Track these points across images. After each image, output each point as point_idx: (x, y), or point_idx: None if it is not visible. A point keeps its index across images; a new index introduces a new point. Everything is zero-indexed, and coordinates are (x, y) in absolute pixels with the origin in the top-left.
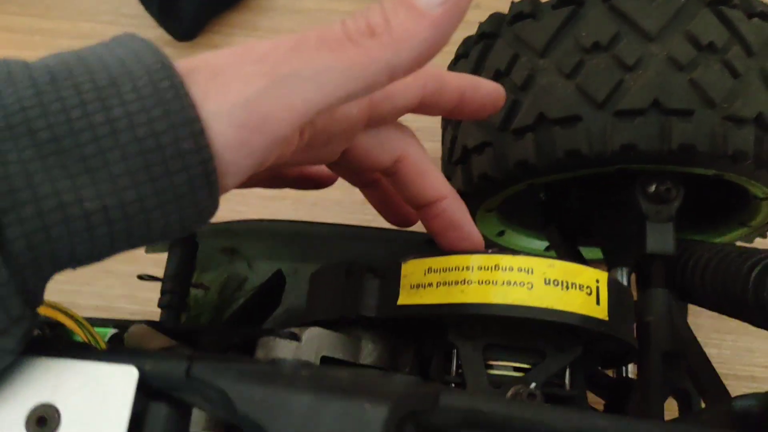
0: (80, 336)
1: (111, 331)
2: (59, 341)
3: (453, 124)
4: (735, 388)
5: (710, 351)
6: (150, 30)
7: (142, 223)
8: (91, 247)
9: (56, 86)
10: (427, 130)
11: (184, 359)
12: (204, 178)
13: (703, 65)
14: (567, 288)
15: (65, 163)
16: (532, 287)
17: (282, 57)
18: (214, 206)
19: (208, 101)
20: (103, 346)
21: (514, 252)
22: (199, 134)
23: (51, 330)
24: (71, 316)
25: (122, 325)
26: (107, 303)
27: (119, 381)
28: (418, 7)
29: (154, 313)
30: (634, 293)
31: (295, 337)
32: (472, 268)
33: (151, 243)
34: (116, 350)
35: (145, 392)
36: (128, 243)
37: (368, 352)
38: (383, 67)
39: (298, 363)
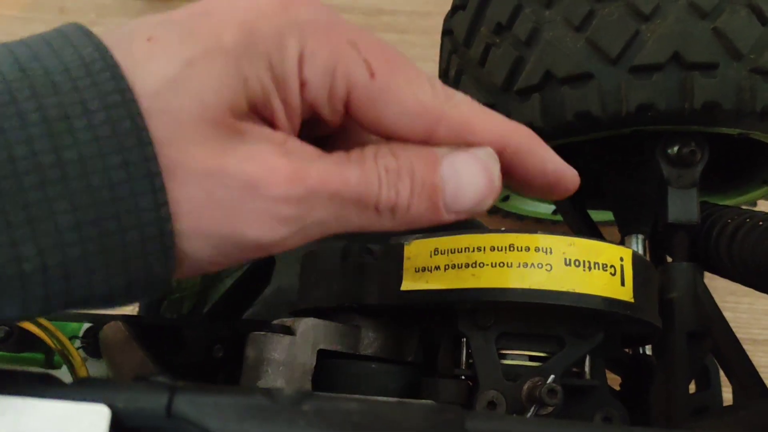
0: (49, 343)
1: (86, 326)
2: (17, 374)
3: (451, 80)
4: (752, 353)
5: (726, 315)
6: None
7: (84, 286)
8: (22, 309)
9: None
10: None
11: (164, 392)
12: (158, 240)
13: (728, 11)
14: (589, 268)
15: (3, 209)
16: (551, 269)
17: None
18: (165, 274)
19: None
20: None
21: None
22: (159, 190)
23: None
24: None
25: (98, 319)
26: None
27: (88, 423)
28: (438, 206)
29: None
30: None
31: (289, 331)
32: (484, 248)
33: (93, 307)
34: (83, 384)
35: None
36: (65, 305)
37: (368, 342)
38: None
39: (299, 393)
